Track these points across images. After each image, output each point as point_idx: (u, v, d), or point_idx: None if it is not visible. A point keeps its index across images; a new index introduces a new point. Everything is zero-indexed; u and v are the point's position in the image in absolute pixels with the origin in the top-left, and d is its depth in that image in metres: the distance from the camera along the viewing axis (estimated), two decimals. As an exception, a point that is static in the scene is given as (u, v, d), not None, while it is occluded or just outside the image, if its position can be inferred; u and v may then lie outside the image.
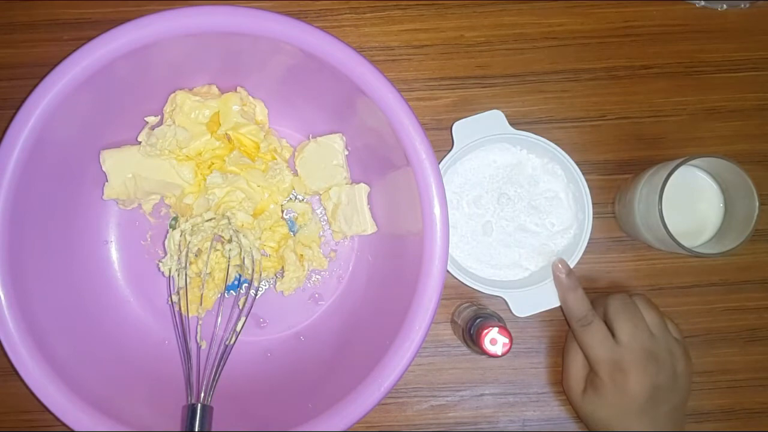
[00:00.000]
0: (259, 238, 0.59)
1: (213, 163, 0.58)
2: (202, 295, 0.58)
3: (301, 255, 0.60)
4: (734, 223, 0.56)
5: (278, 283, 0.60)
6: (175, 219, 0.60)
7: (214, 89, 0.58)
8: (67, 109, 0.50)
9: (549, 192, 0.59)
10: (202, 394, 0.52)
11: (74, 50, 0.49)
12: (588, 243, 0.58)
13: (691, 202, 0.58)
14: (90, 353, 0.54)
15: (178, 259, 0.57)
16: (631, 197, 0.57)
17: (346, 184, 0.59)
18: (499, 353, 0.50)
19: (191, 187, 0.58)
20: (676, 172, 0.53)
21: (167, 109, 0.57)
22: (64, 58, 0.49)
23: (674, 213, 0.55)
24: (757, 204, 0.53)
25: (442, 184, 0.50)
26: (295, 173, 0.60)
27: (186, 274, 0.57)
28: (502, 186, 0.59)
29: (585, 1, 0.63)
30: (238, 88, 0.58)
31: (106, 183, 0.57)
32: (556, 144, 0.57)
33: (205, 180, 0.58)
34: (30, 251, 0.52)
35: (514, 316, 0.57)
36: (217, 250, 0.58)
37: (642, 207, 0.56)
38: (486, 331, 0.50)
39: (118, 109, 0.56)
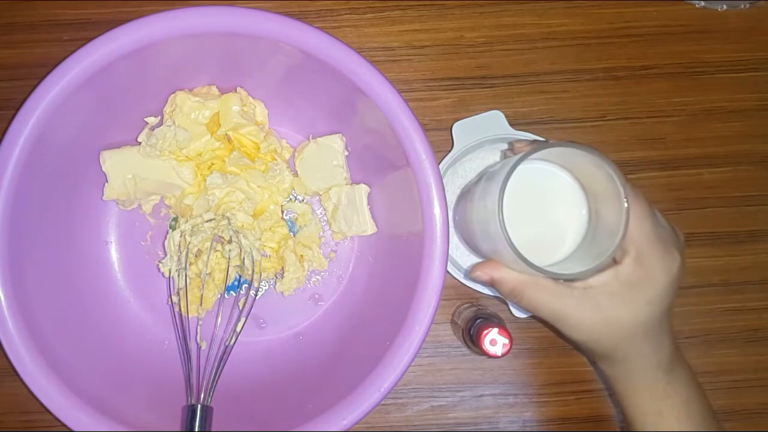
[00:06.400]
0: (259, 239, 0.59)
1: (213, 164, 0.58)
2: (202, 295, 0.58)
3: (301, 255, 0.60)
4: (601, 232, 0.44)
5: (278, 284, 0.60)
6: (175, 220, 0.60)
7: (214, 90, 0.58)
8: (68, 110, 0.50)
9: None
10: (202, 395, 0.52)
11: (74, 51, 0.49)
12: (588, 243, 0.57)
13: (545, 206, 0.46)
14: (90, 353, 0.54)
15: (178, 259, 0.57)
16: (469, 201, 0.47)
17: (346, 184, 0.59)
18: (499, 354, 0.50)
19: (191, 187, 0.58)
20: (522, 169, 0.42)
21: (167, 109, 0.57)
22: (65, 58, 0.49)
23: (523, 220, 0.44)
24: (626, 207, 0.40)
25: (442, 184, 0.50)
26: (295, 174, 0.60)
27: (186, 275, 0.57)
28: (502, 186, 0.59)
29: (585, 2, 0.63)
30: (238, 89, 0.58)
31: (106, 183, 0.57)
32: (556, 144, 0.57)
33: (205, 181, 0.58)
34: (30, 252, 0.52)
35: (514, 316, 0.57)
36: (217, 250, 0.58)
37: (480, 214, 0.44)
38: (486, 331, 0.50)
39: (118, 109, 0.56)
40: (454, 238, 0.59)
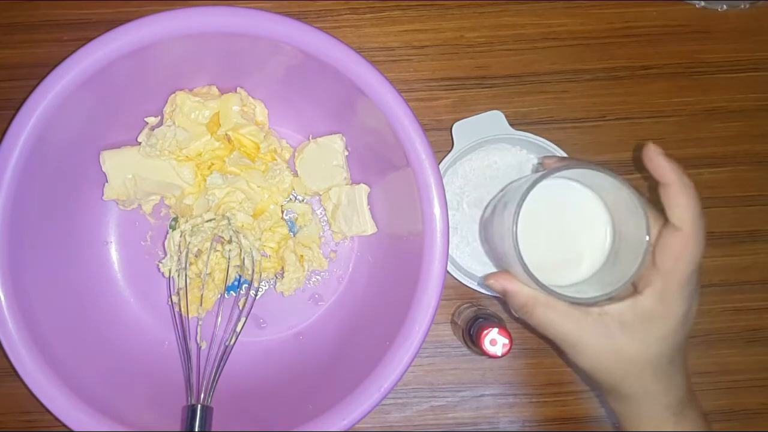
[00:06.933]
0: (259, 239, 0.59)
1: (213, 164, 0.58)
2: (202, 295, 0.58)
3: (301, 256, 0.60)
4: (622, 259, 0.43)
5: (278, 284, 0.60)
6: (175, 220, 0.60)
7: (214, 90, 0.58)
8: (68, 110, 0.50)
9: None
10: (202, 395, 0.52)
11: (74, 51, 0.49)
12: (588, 243, 0.57)
13: (567, 227, 0.45)
14: (90, 354, 0.54)
15: (178, 259, 0.57)
16: (489, 218, 0.47)
17: (346, 184, 0.59)
18: (499, 354, 0.50)
19: (191, 187, 0.58)
20: (547, 186, 0.41)
21: (167, 109, 0.57)
22: (65, 58, 0.49)
23: (541, 239, 0.43)
24: (646, 225, 0.40)
25: (442, 184, 0.50)
26: (295, 174, 0.60)
27: (186, 275, 0.57)
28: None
29: (585, 2, 0.63)
30: (238, 89, 0.58)
31: (106, 183, 0.57)
32: (556, 145, 0.57)
33: (205, 181, 0.58)
34: (30, 252, 0.52)
35: (514, 317, 0.57)
36: (217, 250, 0.58)
37: (496, 231, 0.44)
38: (486, 331, 0.50)
39: (118, 109, 0.56)
40: (455, 239, 0.59)
